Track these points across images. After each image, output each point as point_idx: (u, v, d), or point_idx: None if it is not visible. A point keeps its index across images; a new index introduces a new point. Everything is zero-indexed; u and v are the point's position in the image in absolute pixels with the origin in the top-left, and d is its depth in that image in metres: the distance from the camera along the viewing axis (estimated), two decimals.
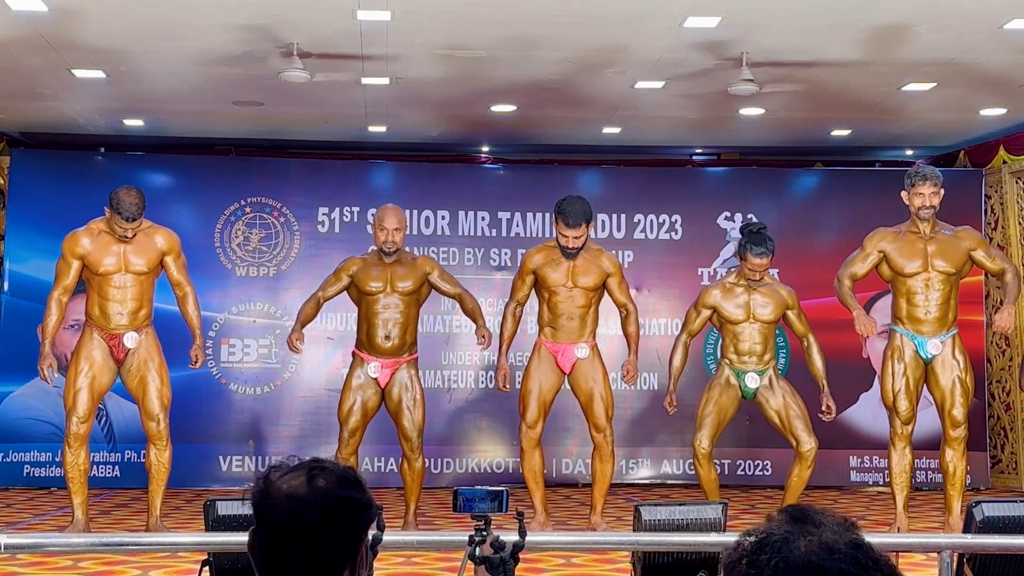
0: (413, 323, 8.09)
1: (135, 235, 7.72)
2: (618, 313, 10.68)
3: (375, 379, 8.00)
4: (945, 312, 7.82)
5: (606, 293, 8.18)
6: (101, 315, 7.77)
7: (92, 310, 7.81)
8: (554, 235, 8.22)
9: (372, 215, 8.90)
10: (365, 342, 8.07)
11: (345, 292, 8.20)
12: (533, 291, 8.30)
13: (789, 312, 8.04)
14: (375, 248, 8.12)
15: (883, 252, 7.88)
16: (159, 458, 7.84)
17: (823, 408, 7.97)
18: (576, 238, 7.94)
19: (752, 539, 1.58)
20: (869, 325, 7.79)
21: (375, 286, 7.96)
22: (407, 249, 8.32)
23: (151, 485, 7.85)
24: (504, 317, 8.27)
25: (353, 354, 8.20)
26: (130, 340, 7.77)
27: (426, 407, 10.65)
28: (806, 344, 8.09)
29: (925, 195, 7.76)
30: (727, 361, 8.06)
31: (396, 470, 8.71)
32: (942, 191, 7.87)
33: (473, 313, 8.17)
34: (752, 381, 7.97)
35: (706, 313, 8.09)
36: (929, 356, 7.83)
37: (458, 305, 10.83)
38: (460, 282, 8.38)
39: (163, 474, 7.85)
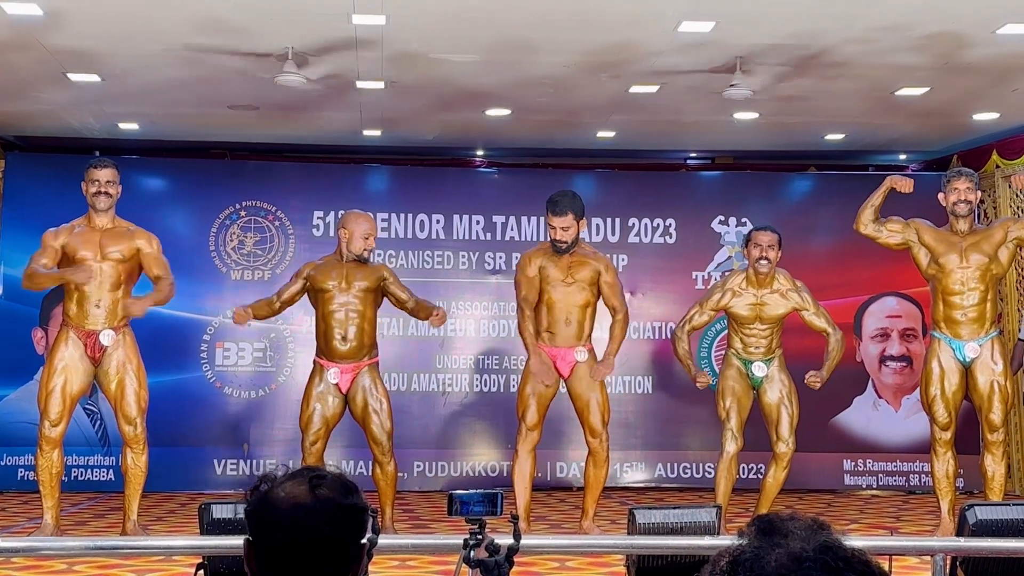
0: (370, 324, 8.05)
1: (111, 202, 7.72)
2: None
3: (336, 385, 7.98)
4: (982, 313, 7.78)
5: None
6: (78, 311, 7.70)
7: (69, 308, 7.75)
8: (547, 237, 8.24)
9: None
10: (324, 347, 8.05)
11: (307, 297, 8.21)
12: None
13: (803, 314, 8.04)
14: (335, 252, 8.12)
15: (918, 231, 7.84)
16: (136, 462, 7.79)
17: (811, 376, 7.93)
18: (564, 229, 7.92)
19: (726, 560, 1.57)
20: None
21: (331, 284, 7.96)
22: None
23: (127, 489, 7.79)
24: (522, 321, 8.05)
25: (314, 361, 8.17)
26: (106, 338, 7.69)
27: (418, 410, 10.74)
28: (826, 337, 8.05)
29: (960, 190, 7.76)
30: (733, 351, 8.09)
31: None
32: (979, 192, 7.91)
33: (422, 308, 8.10)
34: (759, 370, 8.00)
35: (711, 314, 8.10)
36: (967, 360, 7.82)
37: (452, 305, 10.90)
38: (414, 292, 8.26)
39: (140, 478, 7.79)
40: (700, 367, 10.82)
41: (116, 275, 7.74)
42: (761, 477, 10.22)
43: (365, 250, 8.01)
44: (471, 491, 3.47)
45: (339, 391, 7.98)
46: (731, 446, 7.98)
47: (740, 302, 8.02)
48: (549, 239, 8.05)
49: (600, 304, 8.25)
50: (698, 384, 7.98)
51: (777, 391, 8.01)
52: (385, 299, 8.21)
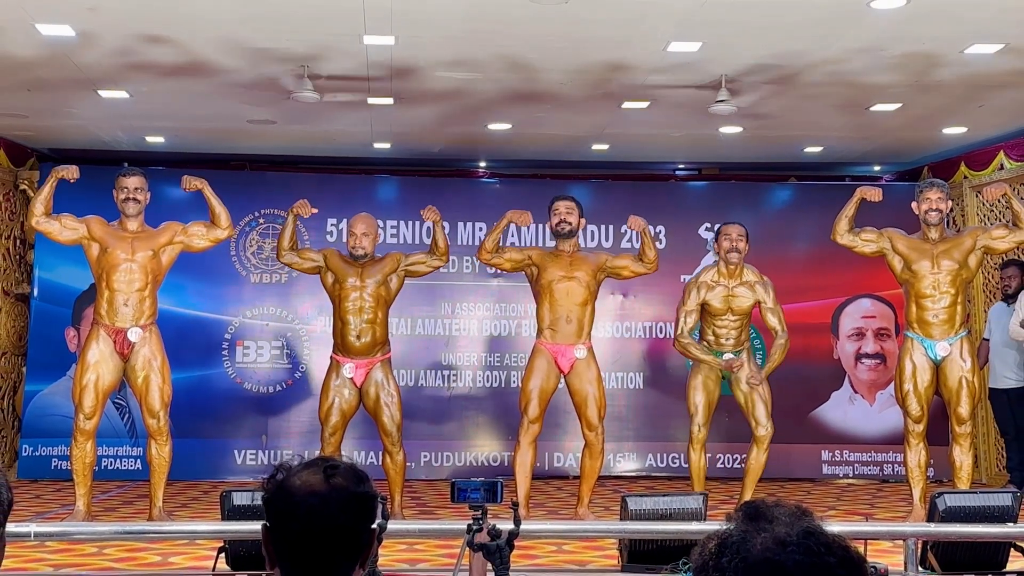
0: (382, 323, 8.06)
1: (139, 208, 7.76)
2: (611, 314, 10.80)
3: (351, 379, 7.99)
4: (952, 315, 7.77)
5: (601, 290, 8.23)
6: (108, 309, 7.69)
7: (100, 307, 7.75)
8: (548, 245, 8.26)
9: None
10: (340, 344, 8.06)
11: (325, 289, 8.22)
12: (531, 295, 8.29)
13: (761, 307, 8.05)
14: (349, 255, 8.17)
15: (891, 240, 7.85)
16: (160, 453, 7.78)
17: (751, 375, 7.93)
18: (568, 211, 8.01)
19: (714, 543, 1.57)
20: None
21: (350, 281, 7.98)
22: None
23: (152, 479, 7.79)
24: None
25: (330, 358, 8.18)
26: (134, 334, 7.68)
27: (425, 405, 10.75)
28: (775, 337, 8.04)
29: (932, 200, 7.77)
30: (705, 344, 8.08)
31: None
32: (950, 201, 7.92)
33: (433, 241, 8.14)
34: None
35: (697, 311, 8.08)
36: (938, 358, 7.81)
37: (456, 307, 10.91)
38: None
39: (164, 468, 7.78)
40: (688, 366, 10.86)
41: (144, 275, 7.75)
42: (742, 468, 10.23)
43: (354, 248, 8.04)
44: (472, 479, 3.48)
45: (354, 385, 8.00)
46: (699, 433, 8.01)
47: (713, 295, 8.04)
48: (551, 227, 8.13)
49: (599, 304, 8.27)
50: (734, 368, 7.95)
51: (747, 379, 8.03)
52: (392, 301, 8.23)
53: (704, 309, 8.07)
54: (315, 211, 8.34)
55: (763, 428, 7.99)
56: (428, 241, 10.79)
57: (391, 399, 8.01)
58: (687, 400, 8.14)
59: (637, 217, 8.14)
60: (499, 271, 10.97)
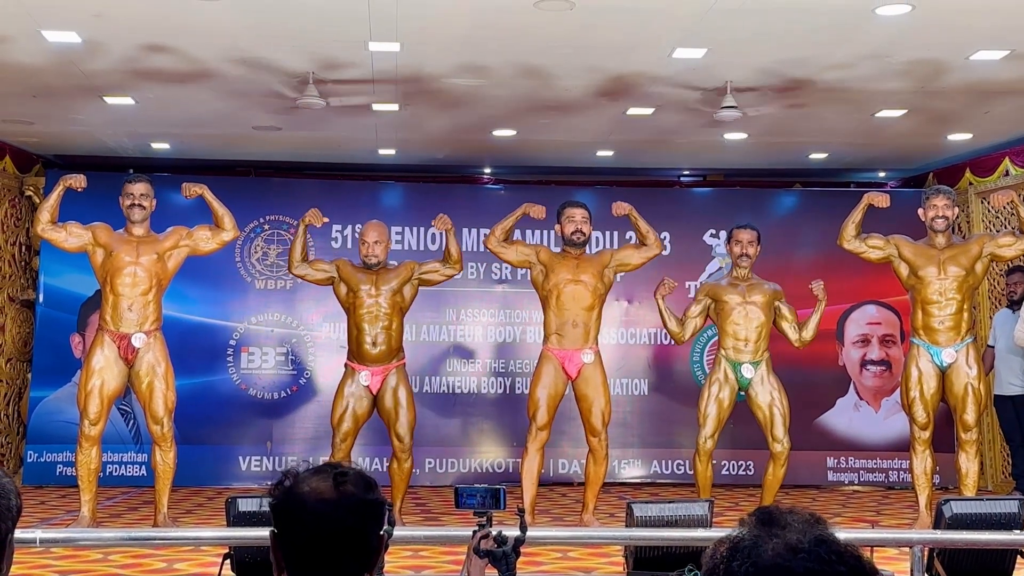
0: (398, 330, 8.07)
1: (145, 214, 7.79)
2: (617, 321, 10.79)
3: (367, 386, 7.99)
4: (959, 321, 7.77)
5: (611, 288, 8.28)
6: (113, 314, 7.71)
7: (104, 313, 7.78)
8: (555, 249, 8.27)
9: None
10: (355, 351, 8.06)
11: (338, 300, 8.21)
12: (536, 301, 8.29)
13: (779, 304, 8.10)
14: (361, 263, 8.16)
15: (898, 247, 7.87)
16: (164, 459, 7.79)
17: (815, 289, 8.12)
18: (583, 220, 8.04)
19: (725, 546, 1.57)
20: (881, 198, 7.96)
21: (364, 288, 7.98)
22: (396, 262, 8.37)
23: (157, 485, 7.79)
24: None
25: (345, 365, 8.18)
26: (138, 340, 7.70)
27: (430, 411, 10.74)
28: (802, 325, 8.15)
29: (938, 207, 7.79)
30: (724, 353, 8.06)
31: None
32: (956, 208, 7.92)
33: (446, 249, 8.18)
34: (748, 371, 7.98)
35: (704, 302, 8.11)
36: (944, 364, 7.81)
37: (461, 313, 10.91)
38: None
39: (168, 474, 7.79)
40: (693, 372, 10.85)
41: (149, 278, 7.76)
42: (750, 474, 10.20)
43: (367, 256, 8.03)
44: (476, 486, 3.48)
45: (369, 392, 8.00)
46: (706, 445, 7.99)
47: (724, 287, 8.10)
48: (563, 235, 8.11)
49: (604, 310, 8.27)
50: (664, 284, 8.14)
51: (768, 393, 8.00)
52: (407, 309, 8.23)
53: (719, 308, 8.06)
54: (326, 220, 8.32)
55: (779, 444, 7.99)
56: (433, 247, 10.86)
57: (405, 406, 8.02)
58: (698, 410, 8.10)
59: (620, 202, 8.16)
60: (503, 277, 10.98)
